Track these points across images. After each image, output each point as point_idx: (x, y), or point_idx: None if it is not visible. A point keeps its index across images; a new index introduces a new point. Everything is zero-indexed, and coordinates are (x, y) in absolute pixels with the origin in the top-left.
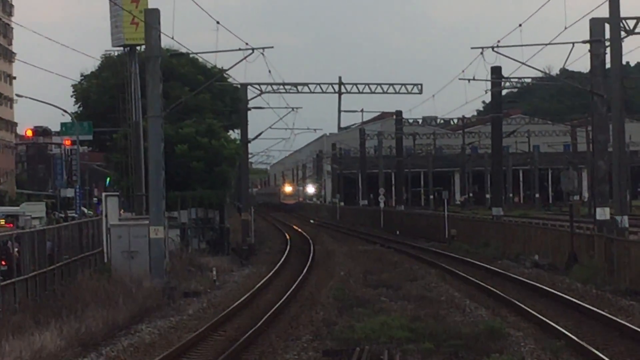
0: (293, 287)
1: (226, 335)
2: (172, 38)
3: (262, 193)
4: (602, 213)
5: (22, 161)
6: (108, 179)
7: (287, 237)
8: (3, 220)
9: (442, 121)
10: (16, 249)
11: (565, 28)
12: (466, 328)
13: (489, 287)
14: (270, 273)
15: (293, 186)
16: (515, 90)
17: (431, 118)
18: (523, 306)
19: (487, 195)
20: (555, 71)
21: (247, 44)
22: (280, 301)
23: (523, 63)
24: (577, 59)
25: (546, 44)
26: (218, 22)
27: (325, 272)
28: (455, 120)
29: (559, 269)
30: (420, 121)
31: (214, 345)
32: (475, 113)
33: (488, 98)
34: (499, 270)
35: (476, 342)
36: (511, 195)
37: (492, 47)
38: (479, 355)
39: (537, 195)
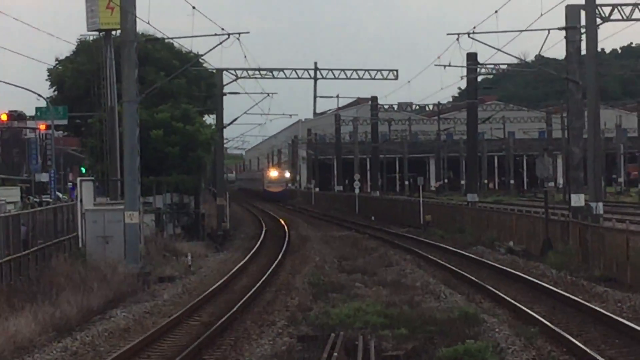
0: (268, 273)
1: (201, 320)
2: (148, 23)
3: (243, 178)
4: (577, 200)
5: None
6: (83, 168)
7: (262, 222)
8: None
9: (417, 107)
10: None
11: (542, 14)
12: (441, 314)
13: (464, 273)
14: (246, 258)
15: (280, 171)
16: (491, 76)
17: (406, 104)
18: (498, 292)
19: (462, 182)
20: (530, 58)
21: (222, 29)
22: (255, 286)
23: (499, 49)
24: (553, 45)
25: (522, 31)
26: (194, 7)
27: (301, 258)
28: (431, 107)
29: (534, 255)
30: (395, 107)
31: (189, 331)
32: (450, 99)
33: (463, 84)
34: (474, 257)
35: (451, 328)
36: (486, 181)
37: (468, 34)
38: (454, 341)
39: (511, 182)
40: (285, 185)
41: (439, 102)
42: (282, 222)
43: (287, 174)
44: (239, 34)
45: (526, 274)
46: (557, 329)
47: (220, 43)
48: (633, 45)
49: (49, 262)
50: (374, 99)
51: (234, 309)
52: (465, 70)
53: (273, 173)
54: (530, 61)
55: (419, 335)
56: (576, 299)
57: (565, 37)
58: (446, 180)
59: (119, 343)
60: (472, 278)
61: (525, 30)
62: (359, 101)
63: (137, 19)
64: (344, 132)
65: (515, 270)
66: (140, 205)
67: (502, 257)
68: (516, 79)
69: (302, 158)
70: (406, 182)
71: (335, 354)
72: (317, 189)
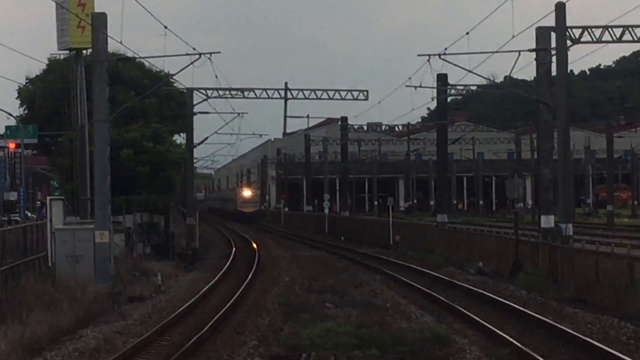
0: (238, 293)
1: (172, 340)
2: (121, 42)
3: (214, 198)
4: (547, 221)
5: None
6: (56, 183)
7: (232, 242)
8: None
9: (386, 127)
10: None
11: (514, 36)
12: (412, 335)
13: (434, 294)
14: (215, 278)
15: (253, 190)
16: (460, 97)
17: (376, 124)
18: (468, 313)
19: (431, 202)
20: (499, 79)
21: (194, 48)
22: (226, 307)
23: (469, 71)
24: (522, 67)
25: (493, 52)
26: (166, 27)
27: (270, 278)
28: (400, 127)
29: (504, 276)
30: (365, 127)
31: (159, 351)
32: (419, 120)
33: (433, 105)
34: (444, 277)
35: (422, 349)
36: (455, 201)
37: (439, 55)
38: None
39: (480, 202)
40: (259, 206)
41: (408, 122)
42: (252, 242)
43: (259, 193)
44: (210, 53)
45: (496, 295)
46: (528, 350)
47: (192, 63)
48: (601, 67)
49: (18, 281)
50: (344, 119)
51: (205, 329)
52: (435, 91)
53: (246, 192)
54: (499, 82)
55: (390, 356)
56: (546, 320)
57: (536, 59)
58: (415, 201)
59: None
60: (443, 299)
61: (496, 51)
62: (328, 121)
63: (109, 39)
64: (314, 152)
65: (486, 291)
66: (111, 225)
67: (472, 278)
68: (485, 100)
69: (272, 178)
70: (375, 202)
71: None
72: (286, 209)
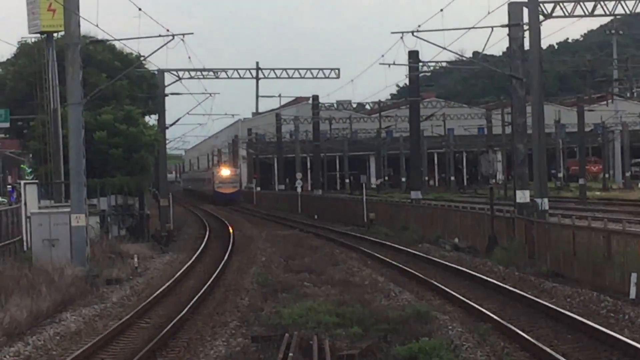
0: (215, 273)
1: (152, 322)
2: (97, 26)
3: (189, 178)
4: (522, 196)
5: None
6: (27, 169)
7: (206, 223)
8: None
9: (356, 105)
10: None
11: (489, 13)
12: (393, 312)
13: (412, 271)
14: (192, 259)
15: (232, 169)
16: (429, 74)
17: (346, 102)
18: (447, 289)
19: (403, 179)
20: (468, 54)
21: (167, 30)
22: (204, 287)
23: (444, 48)
24: (494, 44)
25: (467, 29)
26: (140, 9)
27: (247, 258)
28: (370, 104)
29: (480, 251)
30: (335, 105)
31: (140, 333)
32: (389, 97)
33: (402, 82)
34: (420, 254)
35: (404, 326)
36: (427, 178)
37: (412, 32)
38: (408, 339)
39: (452, 178)
40: (239, 187)
41: (379, 100)
42: (226, 222)
43: (240, 174)
44: (183, 35)
45: (474, 271)
46: (509, 325)
47: (165, 44)
48: (569, 40)
49: None
50: (315, 97)
51: (185, 311)
52: (407, 68)
53: (225, 172)
54: (470, 58)
55: (372, 334)
56: (525, 294)
57: (509, 35)
58: (387, 178)
59: (71, 346)
60: (420, 275)
61: (469, 28)
62: (299, 100)
63: (81, 21)
64: (285, 131)
65: (463, 267)
66: (86, 208)
67: (448, 254)
68: (454, 76)
69: (243, 157)
70: (347, 180)
71: (290, 354)
72: (258, 189)
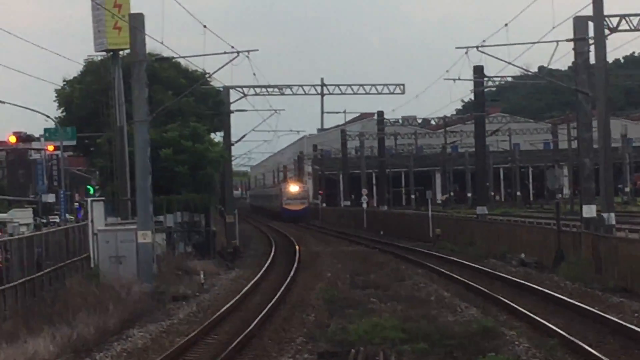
0: (281, 290)
1: (218, 339)
2: (162, 43)
3: (256, 195)
4: (589, 210)
5: (1, 167)
6: (91, 188)
7: (271, 239)
8: None
9: (421, 120)
10: (1, 256)
11: (554, 27)
12: (459, 328)
13: (478, 286)
14: (257, 276)
15: (301, 185)
16: (494, 89)
17: (411, 118)
18: (514, 305)
19: (468, 194)
20: (533, 69)
21: (232, 47)
22: (270, 304)
23: (508, 62)
24: (559, 58)
25: (531, 43)
26: (205, 26)
27: (312, 274)
28: (435, 120)
29: (546, 267)
30: (401, 121)
31: (206, 349)
32: (454, 112)
33: (467, 97)
34: (487, 269)
35: (470, 342)
36: (492, 193)
37: (477, 47)
38: (474, 355)
39: (518, 193)
40: (307, 203)
41: (444, 115)
42: (291, 238)
43: (309, 189)
44: (248, 51)
45: (540, 286)
46: (576, 340)
47: (230, 61)
48: (636, 54)
49: (63, 283)
50: (380, 113)
51: (251, 327)
52: (472, 83)
53: (293, 188)
54: (535, 73)
55: (438, 350)
56: (593, 310)
57: (574, 49)
58: (452, 193)
59: None
60: (487, 291)
61: (534, 42)
62: (364, 116)
63: (147, 38)
64: (350, 147)
65: (529, 282)
66: (153, 225)
67: (515, 270)
68: (519, 91)
69: (308, 174)
70: (412, 196)
71: None
72: (324, 205)
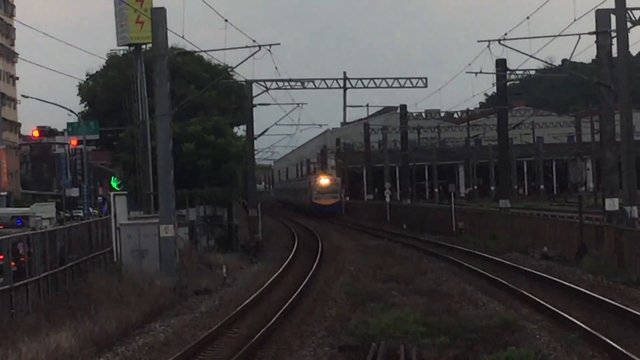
0: (304, 283)
1: (240, 332)
2: (183, 37)
3: (283, 189)
4: (612, 204)
5: (26, 161)
6: (115, 182)
7: (294, 233)
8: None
9: (444, 114)
10: (24, 250)
11: (575, 20)
12: (480, 321)
13: (500, 280)
14: (280, 269)
15: (331, 177)
16: (518, 82)
17: (434, 111)
18: (535, 298)
19: (492, 188)
20: (557, 62)
21: (254, 41)
22: (292, 297)
23: (530, 56)
24: (581, 51)
25: (553, 36)
26: (226, 20)
27: (335, 268)
28: (459, 113)
29: (569, 260)
30: (424, 115)
31: (228, 343)
32: (478, 105)
33: (490, 91)
34: (509, 263)
35: (491, 335)
36: (516, 187)
37: (499, 40)
38: (496, 349)
39: (541, 187)
40: (340, 197)
41: (467, 108)
42: (314, 232)
43: (340, 182)
44: (270, 45)
45: (562, 280)
46: (597, 334)
47: (252, 55)
48: None
49: (85, 277)
50: (403, 107)
51: (273, 320)
52: (495, 77)
53: (324, 180)
54: (558, 66)
55: (460, 343)
56: (615, 303)
57: (596, 42)
58: (476, 187)
59: (159, 357)
60: (509, 285)
61: (556, 35)
62: (386, 110)
63: (167, 33)
64: (373, 141)
65: (552, 275)
66: (175, 219)
67: (537, 263)
68: (543, 84)
69: (332, 168)
70: (436, 190)
71: None
72: (347, 198)
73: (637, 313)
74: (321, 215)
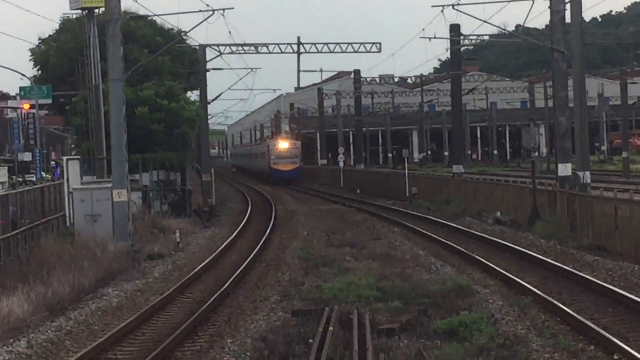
0: (257, 248)
1: (193, 297)
2: (136, 1)
3: (238, 154)
4: (564, 169)
5: None
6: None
7: (248, 197)
8: None
9: (398, 79)
10: None
11: None
12: (433, 286)
13: (453, 245)
14: (234, 234)
15: (290, 141)
16: (472, 47)
17: (388, 76)
18: (488, 263)
19: (445, 153)
20: (510, 28)
21: (207, 5)
22: (245, 262)
23: (484, 21)
24: (536, 16)
25: (507, 1)
26: None
27: (289, 233)
28: (413, 79)
29: (522, 225)
30: (377, 80)
31: (181, 308)
32: (432, 71)
33: (444, 56)
34: (462, 228)
35: (444, 300)
36: (469, 152)
37: (453, 5)
38: (448, 313)
39: (495, 152)
40: (299, 162)
41: (421, 73)
42: (268, 197)
43: (300, 146)
44: (224, 9)
45: (515, 244)
46: (549, 298)
47: (205, 19)
48: (613, 13)
49: (38, 241)
50: (357, 72)
51: (226, 285)
52: (449, 42)
53: (282, 144)
54: (512, 32)
55: (412, 308)
56: (567, 268)
57: (550, 7)
58: (429, 152)
59: (112, 321)
60: (462, 249)
61: (511, 0)
62: (341, 74)
63: None
64: (327, 106)
65: (504, 240)
66: (128, 183)
67: (490, 228)
68: (497, 49)
69: (285, 132)
70: (389, 155)
71: (330, 328)
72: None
73: (588, 277)
74: (280, 181)
